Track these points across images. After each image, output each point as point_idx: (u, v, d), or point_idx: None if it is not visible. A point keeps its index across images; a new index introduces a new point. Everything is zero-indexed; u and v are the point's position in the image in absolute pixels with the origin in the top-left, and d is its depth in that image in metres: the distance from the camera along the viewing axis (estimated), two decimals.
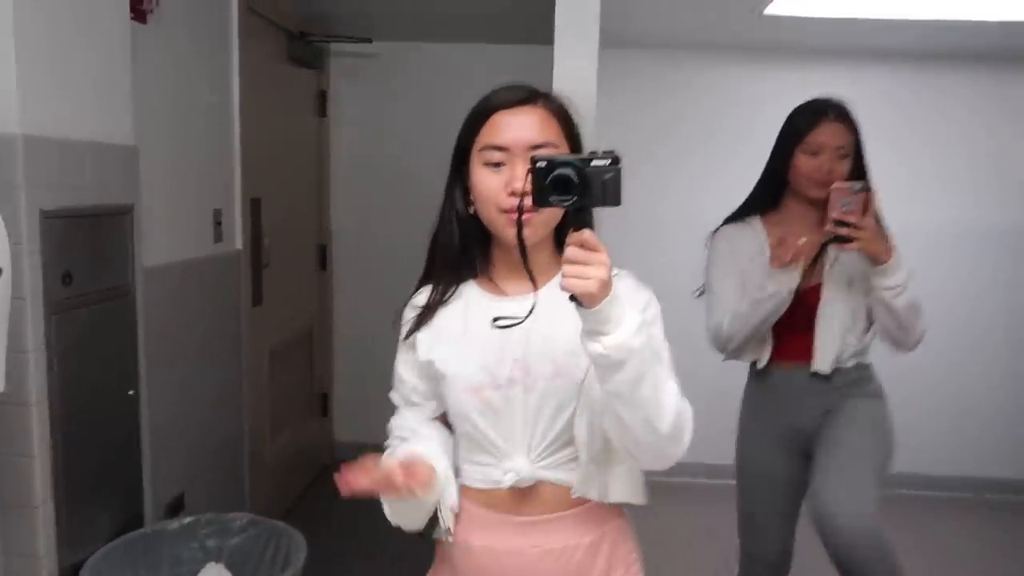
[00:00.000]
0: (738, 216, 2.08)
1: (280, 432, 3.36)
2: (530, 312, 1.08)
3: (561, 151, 1.16)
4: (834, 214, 1.77)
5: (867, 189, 1.80)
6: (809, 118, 1.92)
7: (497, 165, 1.15)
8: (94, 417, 1.84)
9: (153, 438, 2.12)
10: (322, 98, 3.85)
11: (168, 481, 2.32)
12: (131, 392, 1.98)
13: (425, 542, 1.24)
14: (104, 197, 1.85)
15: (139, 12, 2.12)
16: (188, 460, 2.48)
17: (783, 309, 1.90)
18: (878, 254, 1.79)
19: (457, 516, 1.23)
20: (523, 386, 1.17)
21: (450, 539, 1.21)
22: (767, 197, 2.04)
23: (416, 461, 1.12)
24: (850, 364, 1.98)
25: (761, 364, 2.03)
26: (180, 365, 2.42)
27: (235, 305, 2.86)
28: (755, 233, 2.02)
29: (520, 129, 1.15)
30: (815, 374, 1.97)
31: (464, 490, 1.24)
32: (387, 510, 1.17)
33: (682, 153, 3.80)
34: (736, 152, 3.71)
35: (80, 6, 1.77)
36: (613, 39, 3.22)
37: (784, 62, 3.66)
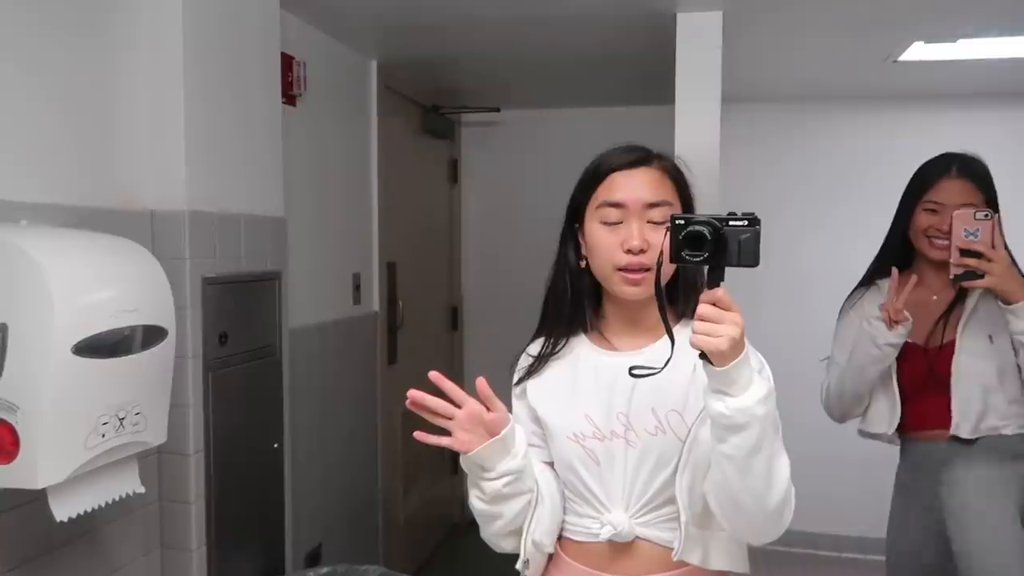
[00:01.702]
0: (866, 280, 1.99)
1: (412, 488, 3.45)
2: (667, 362, 1.08)
3: (675, 209, 1.18)
4: (958, 244, 1.63)
5: (993, 216, 1.64)
6: (932, 173, 1.82)
7: (615, 224, 1.18)
8: (243, 468, 1.97)
9: (294, 490, 2.24)
10: (454, 166, 4.05)
11: (308, 532, 2.43)
12: (276, 445, 2.11)
13: None
14: (256, 264, 2.03)
15: (289, 97, 2.35)
16: (326, 512, 2.60)
17: (881, 365, 1.79)
18: (1011, 292, 1.61)
19: (553, 561, 1.24)
20: (625, 440, 1.17)
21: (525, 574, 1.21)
22: (893, 258, 1.90)
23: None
24: (1008, 431, 1.78)
25: (890, 431, 1.88)
26: (321, 421, 2.56)
27: (372, 364, 3.01)
28: (882, 297, 1.88)
29: (636, 188, 1.18)
30: (955, 439, 1.79)
31: (564, 542, 1.25)
32: (463, 462, 1.15)
33: (812, 208, 3.68)
34: (868, 204, 3.55)
35: (239, 96, 1.98)
36: (735, 94, 3.22)
37: (915, 109, 3.52)
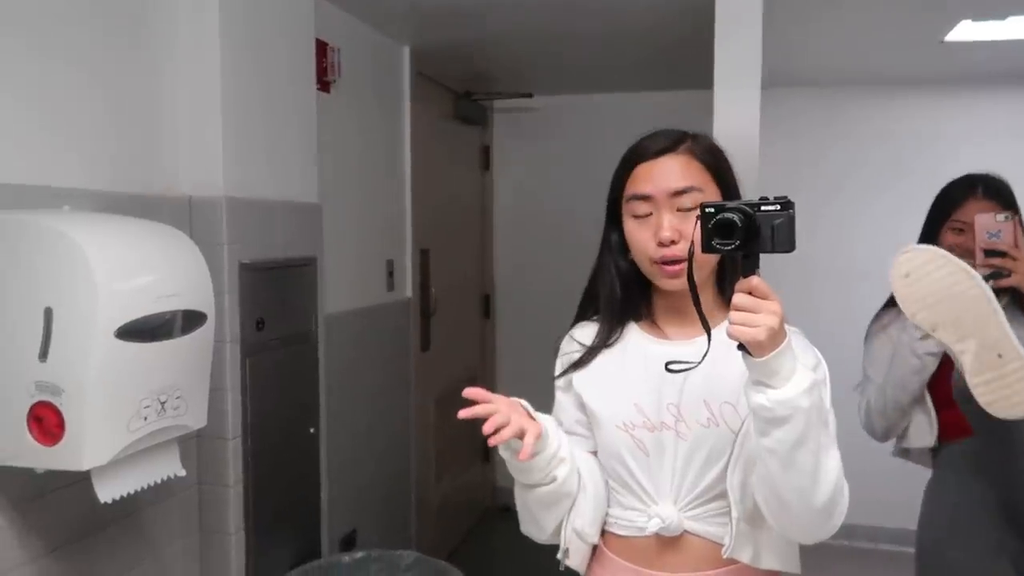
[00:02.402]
0: (893, 301, 1.94)
1: (444, 475, 3.46)
2: (704, 356, 1.06)
3: (706, 194, 1.15)
4: (982, 245, 1.66)
5: (1013, 217, 1.67)
6: (957, 194, 1.86)
7: (645, 216, 1.16)
8: (279, 453, 1.99)
9: (329, 475, 2.26)
10: (486, 152, 4.03)
11: (342, 517, 2.45)
12: (312, 430, 2.13)
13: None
14: (292, 250, 2.03)
15: (324, 83, 2.34)
16: (360, 498, 2.61)
17: (923, 376, 1.78)
18: None
19: (596, 557, 1.22)
20: (675, 431, 1.15)
21: (563, 565, 1.21)
22: None
23: (531, 422, 1.08)
24: None
25: (932, 443, 1.86)
26: (355, 406, 2.57)
27: (405, 351, 3.02)
28: (909, 322, 1.86)
29: (661, 178, 1.15)
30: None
31: (607, 537, 1.23)
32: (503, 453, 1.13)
33: (859, 194, 3.61)
34: (915, 190, 3.48)
35: (274, 83, 1.98)
36: (777, 79, 3.16)
37: (962, 93, 3.44)
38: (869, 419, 1.92)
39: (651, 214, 1.15)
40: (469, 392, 1.08)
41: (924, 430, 1.87)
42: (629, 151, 1.21)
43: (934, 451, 1.91)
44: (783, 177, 2.88)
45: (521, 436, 1.05)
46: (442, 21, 2.70)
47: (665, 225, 1.12)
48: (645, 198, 1.15)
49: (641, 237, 1.16)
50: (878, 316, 2.00)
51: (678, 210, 1.14)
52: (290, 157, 2.05)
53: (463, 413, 1.05)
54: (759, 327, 0.93)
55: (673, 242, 1.12)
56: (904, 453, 1.96)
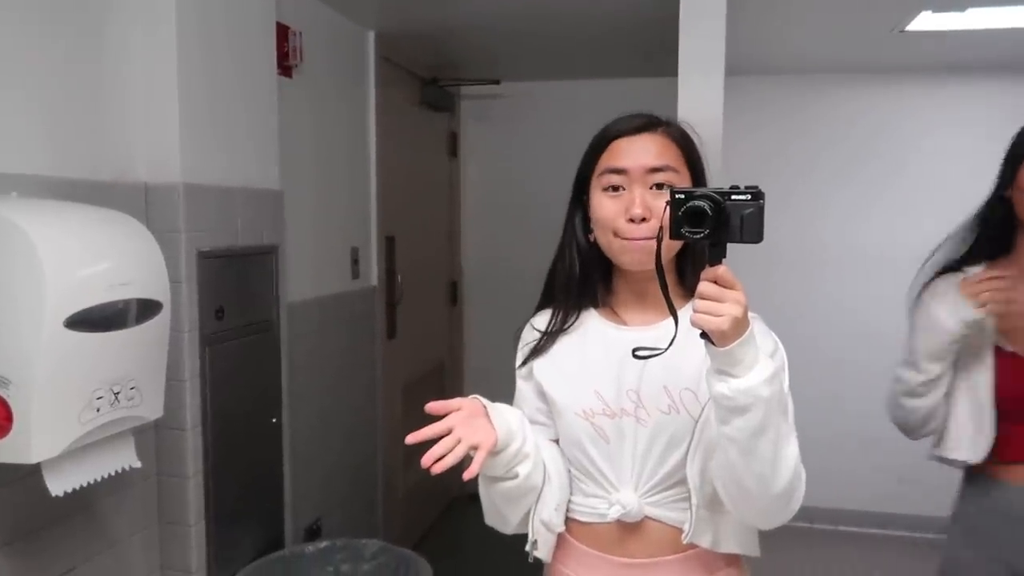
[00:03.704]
0: (956, 266, 1.61)
1: (412, 463, 3.45)
2: (671, 343, 1.06)
3: (680, 176, 1.16)
4: None
5: None
6: None
7: (616, 189, 1.16)
8: (241, 443, 1.96)
9: (293, 465, 2.24)
10: (453, 139, 4.00)
11: (306, 507, 2.43)
12: (274, 420, 2.10)
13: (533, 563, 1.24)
14: (253, 238, 2.00)
15: (285, 68, 2.30)
16: (326, 487, 2.59)
17: (953, 350, 1.48)
18: None
19: (559, 543, 1.22)
20: (635, 418, 1.15)
21: (532, 556, 1.20)
22: (992, 237, 1.58)
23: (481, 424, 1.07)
24: None
25: (975, 459, 1.52)
26: (320, 396, 2.55)
27: (371, 339, 2.99)
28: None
29: (638, 154, 1.15)
30: None
31: (569, 524, 1.23)
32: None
33: (822, 181, 3.65)
34: (878, 178, 3.54)
35: (233, 66, 1.94)
36: (742, 67, 3.18)
37: (924, 82, 3.48)
38: (891, 403, 1.64)
39: (623, 189, 1.15)
40: (430, 407, 1.07)
41: (966, 440, 1.52)
42: (605, 129, 1.21)
43: (972, 474, 1.58)
44: (747, 165, 2.92)
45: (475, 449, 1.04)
46: (407, 5, 2.66)
47: (637, 201, 1.12)
48: (620, 172, 1.15)
49: (610, 211, 1.15)
50: (934, 280, 1.61)
51: (651, 187, 1.14)
52: (250, 143, 2.02)
53: (410, 439, 1.03)
54: (724, 316, 0.93)
55: (644, 219, 1.12)
56: (941, 460, 1.60)
